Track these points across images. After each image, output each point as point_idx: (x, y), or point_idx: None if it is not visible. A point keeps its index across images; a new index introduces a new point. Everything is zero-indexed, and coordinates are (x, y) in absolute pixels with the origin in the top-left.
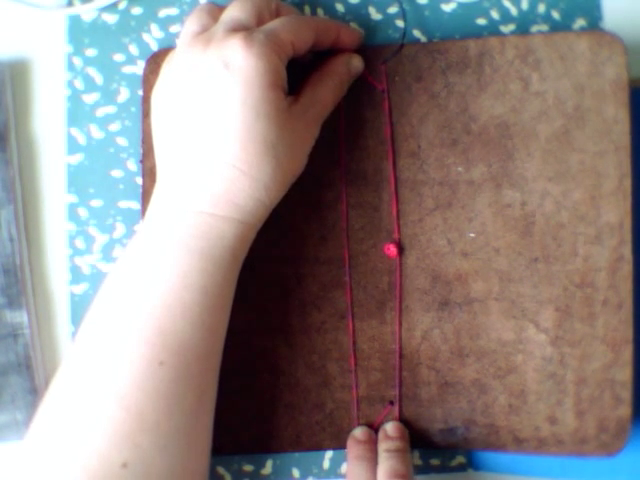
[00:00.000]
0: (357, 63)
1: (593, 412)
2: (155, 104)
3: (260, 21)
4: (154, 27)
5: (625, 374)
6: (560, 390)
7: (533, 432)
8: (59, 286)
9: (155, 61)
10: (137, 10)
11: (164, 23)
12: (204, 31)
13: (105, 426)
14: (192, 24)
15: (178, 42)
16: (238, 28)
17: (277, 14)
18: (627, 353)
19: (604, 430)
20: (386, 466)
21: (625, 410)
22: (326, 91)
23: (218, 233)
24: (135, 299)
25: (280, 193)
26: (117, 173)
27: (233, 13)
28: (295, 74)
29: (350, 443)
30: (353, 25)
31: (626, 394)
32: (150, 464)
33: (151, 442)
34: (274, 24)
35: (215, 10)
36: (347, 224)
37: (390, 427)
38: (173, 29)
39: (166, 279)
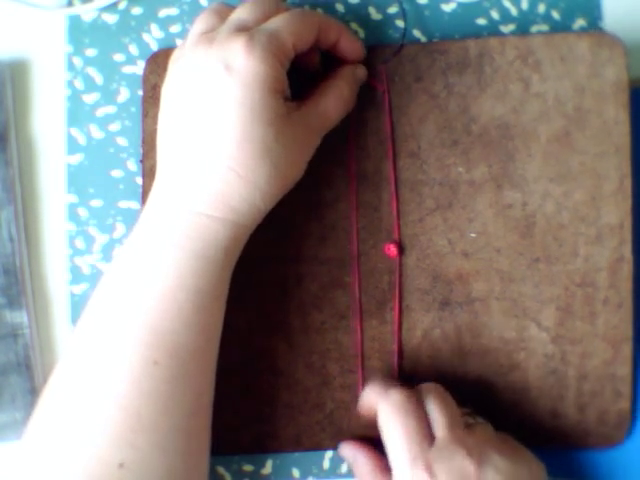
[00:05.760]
0: (360, 73)
1: (594, 406)
2: (162, 103)
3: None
4: (154, 27)
5: (625, 369)
6: (562, 386)
7: (535, 427)
8: (59, 286)
9: (155, 61)
10: (137, 10)
11: (164, 23)
12: (211, 31)
13: (102, 426)
14: (200, 23)
15: (186, 41)
16: (242, 29)
17: None
18: (627, 350)
19: (605, 423)
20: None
21: (625, 403)
22: (332, 103)
23: (213, 234)
24: (130, 299)
25: (275, 198)
26: (117, 173)
27: (240, 15)
28: (303, 82)
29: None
30: (353, 25)
31: (626, 388)
32: (147, 464)
33: (148, 442)
34: (276, 23)
35: (225, 11)
36: (347, 224)
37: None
38: (173, 29)
39: (161, 279)
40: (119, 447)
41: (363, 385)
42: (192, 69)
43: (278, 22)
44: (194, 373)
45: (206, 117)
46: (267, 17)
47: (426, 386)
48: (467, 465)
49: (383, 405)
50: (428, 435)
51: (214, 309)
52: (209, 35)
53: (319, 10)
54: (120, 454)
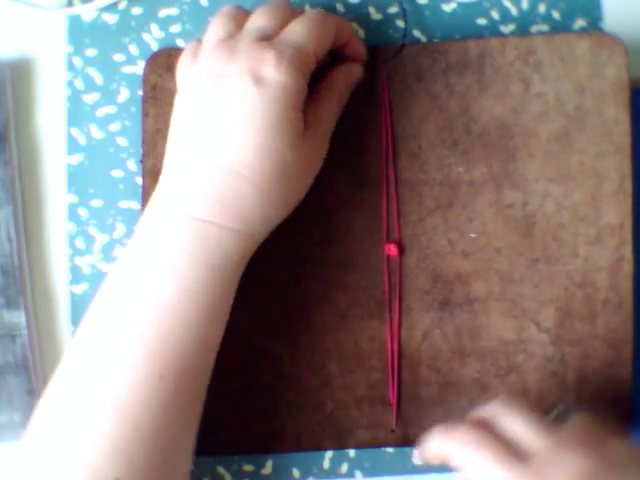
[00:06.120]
0: (356, 72)
1: (593, 410)
2: (177, 109)
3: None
4: (154, 27)
5: (625, 372)
6: (561, 389)
7: None
8: (59, 286)
9: (155, 61)
10: (137, 10)
11: (164, 23)
12: (228, 38)
13: (101, 438)
14: (216, 28)
15: (202, 47)
16: (263, 38)
17: None
18: (627, 352)
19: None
20: None
21: (625, 407)
22: (329, 109)
23: (221, 243)
24: (134, 307)
25: (285, 212)
26: (117, 173)
27: (258, 22)
28: None
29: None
30: (353, 25)
31: (626, 392)
32: (143, 476)
33: (145, 456)
34: (299, 31)
35: (240, 16)
36: (348, 224)
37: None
38: (173, 29)
39: (167, 287)
40: (115, 457)
41: (363, 385)
42: (213, 77)
43: (300, 31)
44: (192, 386)
45: (226, 127)
46: (285, 23)
47: (490, 408)
48: (585, 461)
49: (455, 451)
50: (516, 453)
51: (217, 320)
52: (229, 43)
53: (319, 10)
54: (116, 465)
